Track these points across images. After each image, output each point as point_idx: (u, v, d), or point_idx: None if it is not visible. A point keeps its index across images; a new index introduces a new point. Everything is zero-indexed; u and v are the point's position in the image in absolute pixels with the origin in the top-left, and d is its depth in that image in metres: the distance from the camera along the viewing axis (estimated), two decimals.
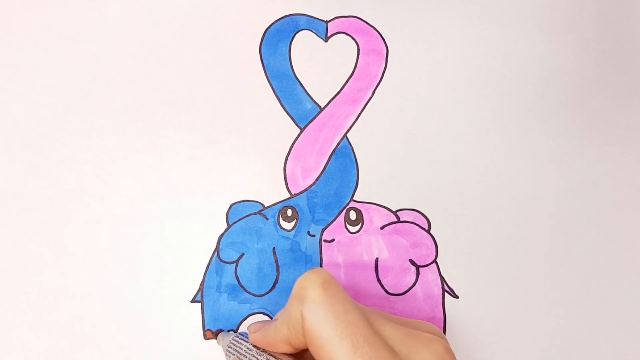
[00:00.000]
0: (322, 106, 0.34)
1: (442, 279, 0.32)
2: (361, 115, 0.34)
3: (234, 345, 0.28)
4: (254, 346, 0.27)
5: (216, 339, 0.31)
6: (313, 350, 0.23)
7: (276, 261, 0.32)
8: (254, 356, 0.26)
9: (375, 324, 0.23)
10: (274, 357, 0.26)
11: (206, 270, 0.31)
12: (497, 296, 0.32)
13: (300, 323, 0.23)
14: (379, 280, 0.32)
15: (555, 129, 0.34)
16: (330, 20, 0.35)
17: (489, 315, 0.32)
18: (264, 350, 0.26)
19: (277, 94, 0.33)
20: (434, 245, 0.32)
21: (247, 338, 0.28)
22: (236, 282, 0.31)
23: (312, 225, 0.32)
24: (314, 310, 0.23)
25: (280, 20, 0.34)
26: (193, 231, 0.32)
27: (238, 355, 0.27)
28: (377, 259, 0.32)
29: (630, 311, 0.32)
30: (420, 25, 0.35)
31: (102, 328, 0.30)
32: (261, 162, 0.33)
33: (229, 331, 0.31)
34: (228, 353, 0.28)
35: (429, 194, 0.33)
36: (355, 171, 0.33)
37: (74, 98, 0.33)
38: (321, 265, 0.32)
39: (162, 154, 0.32)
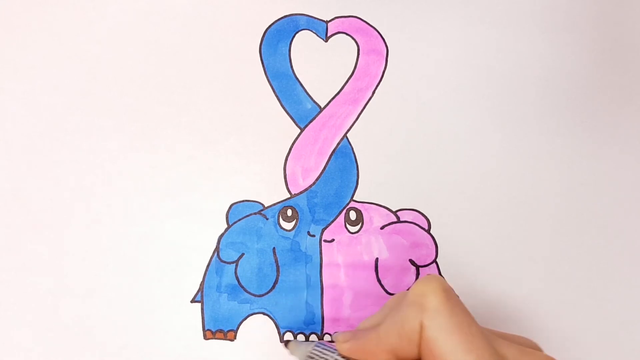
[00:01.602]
0: (322, 106, 0.34)
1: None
2: (361, 115, 0.34)
3: (317, 355, 0.25)
4: (342, 357, 0.24)
5: (287, 347, 0.28)
6: None
7: (276, 261, 0.32)
8: None
9: (490, 340, 0.22)
10: None
11: (206, 270, 0.31)
12: (497, 296, 0.32)
13: (418, 332, 0.21)
14: (379, 280, 0.32)
15: (555, 129, 0.34)
16: (330, 20, 0.35)
17: (488, 315, 0.32)
18: None
19: (277, 94, 0.34)
20: (434, 245, 0.32)
21: (329, 348, 0.26)
22: (236, 282, 0.31)
23: (312, 225, 0.32)
24: (437, 320, 0.21)
25: (280, 20, 0.34)
26: (193, 231, 0.32)
27: None
28: (377, 259, 0.32)
29: (631, 311, 0.32)
30: (420, 25, 0.35)
31: (102, 328, 0.30)
32: (261, 162, 0.33)
33: (298, 338, 0.30)
34: None
35: (429, 194, 0.33)
36: (355, 171, 0.33)
37: (74, 98, 0.33)
38: (321, 266, 0.32)
39: (162, 154, 0.32)
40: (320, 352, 0.26)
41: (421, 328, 0.21)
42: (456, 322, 0.21)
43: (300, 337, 0.31)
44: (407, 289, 0.24)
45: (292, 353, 0.28)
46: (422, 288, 0.22)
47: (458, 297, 0.22)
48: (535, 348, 0.24)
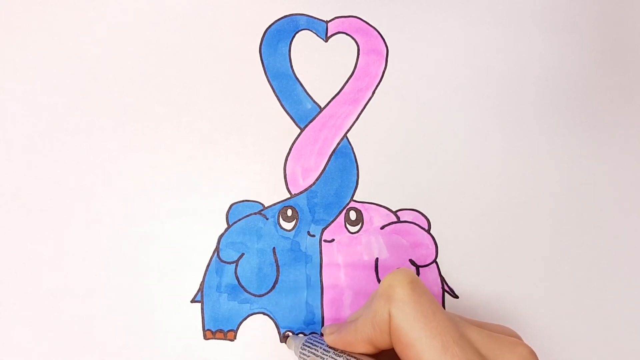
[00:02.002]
0: (322, 106, 0.34)
1: (442, 279, 0.32)
2: (361, 115, 0.34)
3: (309, 347, 0.27)
4: (330, 347, 0.26)
5: (285, 342, 0.30)
6: (399, 349, 0.22)
7: (276, 261, 0.32)
8: (332, 357, 0.26)
9: (459, 326, 0.23)
10: (354, 357, 0.25)
11: (206, 270, 0.31)
12: (497, 296, 0.32)
13: (387, 321, 0.23)
14: (379, 280, 0.32)
15: (555, 129, 0.34)
16: (330, 20, 0.35)
17: (488, 315, 0.32)
18: (342, 352, 0.26)
19: (277, 94, 0.34)
20: (434, 245, 0.32)
21: (320, 340, 0.28)
22: (236, 282, 0.31)
23: (312, 225, 0.32)
24: (402, 309, 0.22)
25: (280, 20, 0.34)
26: (193, 231, 0.32)
27: (314, 357, 0.26)
28: (377, 259, 0.32)
29: (631, 311, 0.32)
30: (420, 25, 0.35)
31: (102, 328, 0.30)
32: (261, 162, 0.33)
33: (298, 334, 0.31)
34: (302, 356, 0.28)
35: (429, 194, 0.33)
36: (355, 171, 0.33)
37: (74, 98, 0.33)
38: (321, 266, 0.32)
39: (162, 154, 0.32)
40: (312, 344, 0.27)
41: (389, 317, 0.23)
42: (421, 310, 0.22)
43: (300, 336, 0.31)
44: None
45: (289, 347, 0.30)
46: (390, 280, 0.23)
47: (425, 287, 0.23)
48: (514, 336, 0.24)
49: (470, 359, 0.21)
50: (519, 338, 0.25)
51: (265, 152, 0.33)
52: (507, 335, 0.24)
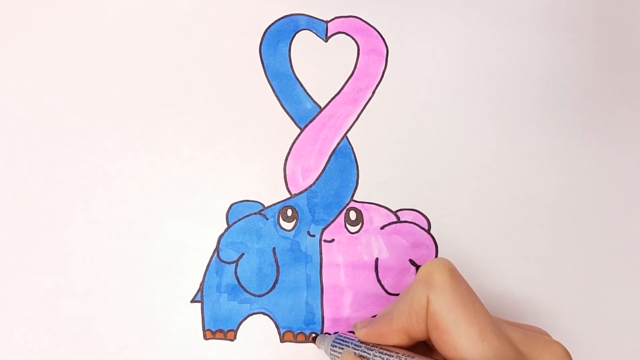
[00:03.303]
0: (322, 106, 0.34)
1: None
2: (361, 115, 0.34)
3: (340, 344, 0.27)
4: (362, 342, 0.26)
5: (314, 343, 0.30)
6: (435, 335, 0.22)
7: (276, 261, 0.32)
8: (365, 351, 0.25)
9: (495, 320, 0.23)
10: (387, 350, 0.25)
11: (206, 270, 0.31)
12: (497, 296, 0.32)
13: (425, 307, 0.23)
14: (379, 280, 0.32)
15: (555, 129, 0.34)
16: (330, 20, 0.35)
17: None
18: (375, 345, 0.25)
19: (277, 94, 0.34)
20: (434, 245, 0.32)
21: (350, 337, 0.27)
22: (236, 282, 0.31)
23: (312, 225, 0.32)
24: (441, 295, 0.22)
25: (280, 20, 0.34)
26: (193, 231, 0.32)
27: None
28: (377, 259, 0.32)
29: (631, 311, 0.32)
30: (420, 25, 0.35)
31: (102, 328, 0.30)
32: (261, 162, 0.33)
33: (326, 333, 0.31)
34: (333, 353, 0.27)
35: (429, 194, 0.33)
36: (355, 171, 0.33)
37: (74, 98, 0.33)
38: (321, 266, 0.32)
39: (162, 154, 0.32)
40: (342, 340, 0.27)
41: (427, 303, 0.23)
42: (460, 297, 0.22)
43: (301, 337, 0.31)
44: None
45: (318, 347, 0.30)
46: (429, 267, 0.23)
47: (463, 277, 0.23)
48: (544, 335, 0.24)
49: (507, 349, 0.21)
50: (551, 337, 0.25)
51: (265, 152, 0.33)
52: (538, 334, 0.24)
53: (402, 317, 0.24)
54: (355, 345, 0.26)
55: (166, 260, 0.31)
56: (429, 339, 0.24)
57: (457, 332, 0.22)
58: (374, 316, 0.31)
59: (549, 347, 0.23)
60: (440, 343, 0.22)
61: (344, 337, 0.27)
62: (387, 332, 0.25)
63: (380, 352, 0.25)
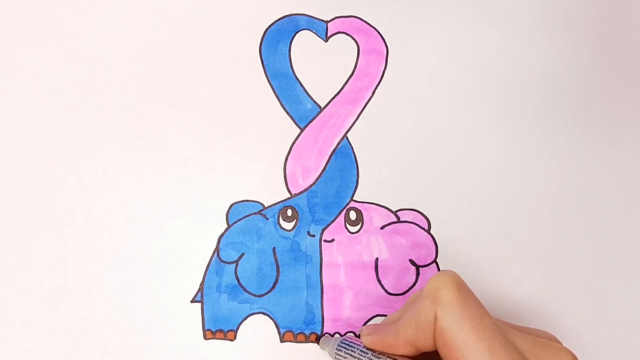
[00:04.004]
0: (322, 106, 0.34)
1: None
2: (361, 115, 0.34)
3: (345, 348, 0.27)
4: (368, 349, 0.26)
5: (318, 344, 0.30)
6: (444, 352, 0.22)
7: (276, 261, 0.32)
8: (371, 359, 0.25)
9: (503, 331, 0.23)
10: (393, 359, 0.25)
11: (206, 270, 0.31)
12: (497, 297, 0.32)
13: (432, 323, 0.23)
14: (379, 280, 0.32)
15: (555, 129, 0.34)
16: (330, 20, 0.35)
17: None
18: (381, 353, 0.25)
19: (277, 94, 0.34)
20: (434, 245, 0.32)
21: (356, 341, 0.27)
22: (236, 282, 0.31)
23: (312, 225, 0.32)
24: (449, 311, 0.22)
25: (280, 20, 0.34)
26: (193, 231, 0.32)
27: (352, 358, 0.26)
28: (377, 259, 0.32)
29: (631, 311, 0.32)
30: (420, 25, 0.35)
31: (102, 328, 0.30)
32: (261, 162, 0.33)
33: (332, 335, 0.31)
34: (338, 357, 0.27)
35: (429, 194, 0.33)
36: (355, 171, 0.33)
37: (74, 98, 0.33)
38: (321, 266, 0.32)
39: (162, 154, 0.32)
40: (348, 345, 0.27)
41: (435, 319, 0.23)
42: (468, 313, 0.22)
43: (301, 337, 0.31)
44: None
45: (322, 348, 0.30)
46: (437, 282, 0.23)
47: (471, 290, 0.23)
48: (554, 341, 0.24)
49: None
50: (559, 342, 0.25)
51: (265, 152, 0.33)
52: (548, 340, 0.24)
53: (409, 330, 0.24)
54: (361, 351, 0.26)
55: (166, 260, 0.31)
56: (436, 350, 0.23)
57: (466, 348, 0.21)
58: (374, 317, 0.31)
59: (558, 353, 0.23)
60: (449, 359, 0.22)
61: (350, 342, 0.27)
62: (393, 343, 0.25)
63: None
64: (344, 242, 0.32)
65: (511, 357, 0.21)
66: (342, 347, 0.27)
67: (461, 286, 0.23)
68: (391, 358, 0.25)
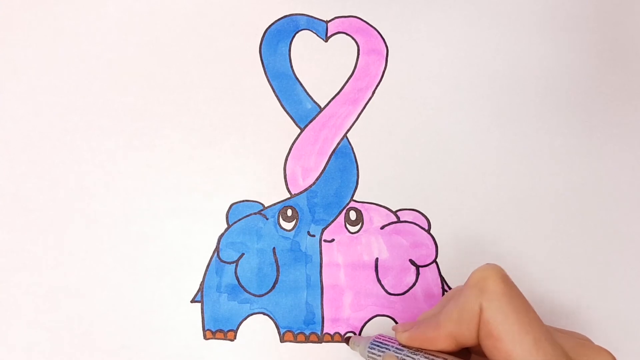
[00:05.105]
0: (322, 106, 0.34)
1: (442, 279, 0.32)
2: (361, 115, 0.34)
3: (379, 346, 0.27)
4: (404, 346, 0.25)
5: (348, 344, 0.30)
6: (488, 343, 0.22)
7: (276, 261, 0.32)
8: (408, 355, 0.25)
9: (548, 328, 0.23)
10: (432, 355, 0.24)
11: (206, 270, 0.31)
12: None
13: (477, 314, 0.22)
14: (379, 280, 0.32)
15: (555, 129, 0.34)
16: (330, 20, 0.35)
17: None
18: (418, 350, 0.25)
19: (277, 94, 0.34)
20: (434, 245, 0.32)
21: (389, 339, 0.27)
22: (236, 282, 0.31)
23: (312, 225, 0.32)
24: (495, 302, 0.22)
25: (280, 20, 0.34)
26: (193, 231, 0.32)
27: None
28: (377, 259, 0.32)
29: (631, 311, 0.32)
30: (420, 25, 0.35)
31: (102, 328, 0.30)
32: (261, 162, 0.33)
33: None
34: (371, 356, 0.27)
35: (429, 194, 0.33)
36: (355, 171, 0.33)
37: (74, 98, 0.33)
38: (321, 266, 0.32)
39: (162, 154, 0.32)
40: (381, 343, 0.27)
41: (480, 310, 0.22)
42: (514, 305, 0.22)
43: (301, 337, 0.31)
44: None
45: (352, 348, 0.30)
46: (482, 273, 0.23)
47: (515, 284, 0.23)
48: (589, 342, 0.25)
49: (560, 357, 0.21)
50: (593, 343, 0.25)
51: (265, 152, 0.33)
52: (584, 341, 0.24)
53: (451, 323, 0.23)
54: (396, 349, 0.26)
55: (166, 260, 0.31)
56: (476, 345, 0.23)
57: (511, 340, 0.21)
58: (374, 317, 0.31)
59: (598, 354, 0.23)
60: (493, 350, 0.22)
61: (383, 340, 0.27)
62: (434, 337, 0.24)
63: (425, 357, 0.24)
64: (344, 242, 0.32)
65: (556, 352, 0.21)
66: (375, 345, 0.27)
67: (506, 279, 0.23)
68: (428, 354, 0.24)
